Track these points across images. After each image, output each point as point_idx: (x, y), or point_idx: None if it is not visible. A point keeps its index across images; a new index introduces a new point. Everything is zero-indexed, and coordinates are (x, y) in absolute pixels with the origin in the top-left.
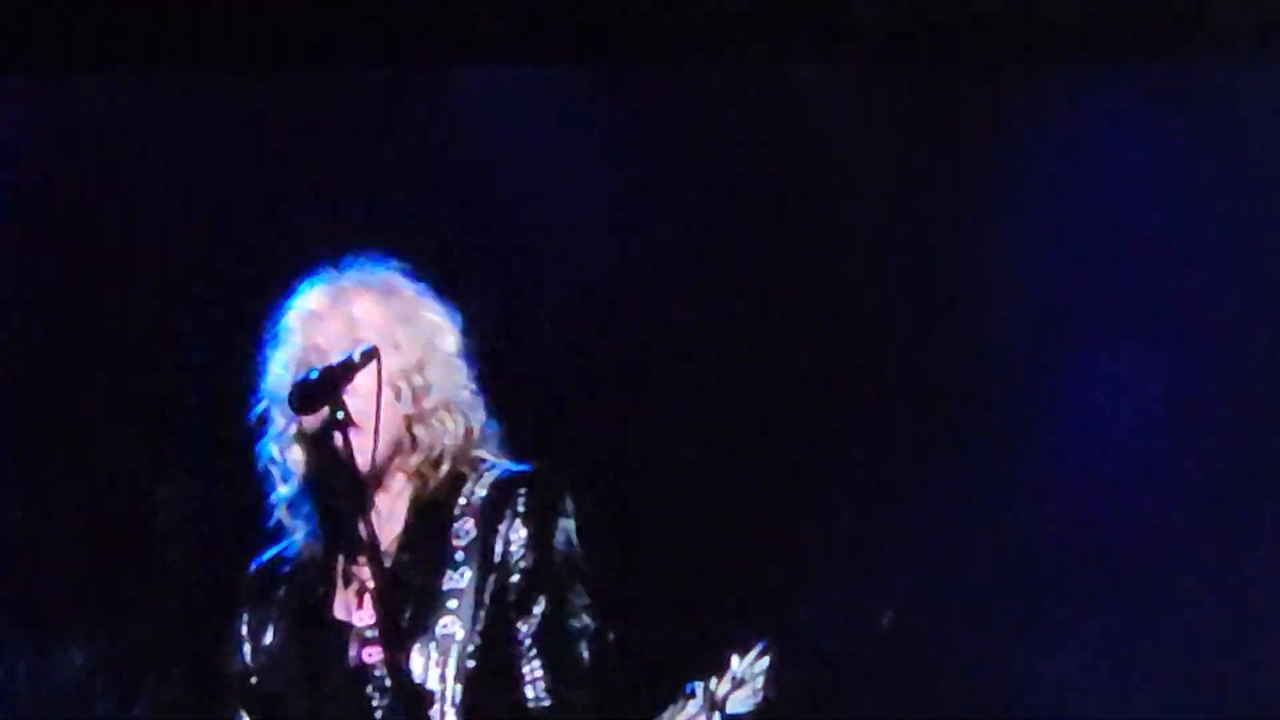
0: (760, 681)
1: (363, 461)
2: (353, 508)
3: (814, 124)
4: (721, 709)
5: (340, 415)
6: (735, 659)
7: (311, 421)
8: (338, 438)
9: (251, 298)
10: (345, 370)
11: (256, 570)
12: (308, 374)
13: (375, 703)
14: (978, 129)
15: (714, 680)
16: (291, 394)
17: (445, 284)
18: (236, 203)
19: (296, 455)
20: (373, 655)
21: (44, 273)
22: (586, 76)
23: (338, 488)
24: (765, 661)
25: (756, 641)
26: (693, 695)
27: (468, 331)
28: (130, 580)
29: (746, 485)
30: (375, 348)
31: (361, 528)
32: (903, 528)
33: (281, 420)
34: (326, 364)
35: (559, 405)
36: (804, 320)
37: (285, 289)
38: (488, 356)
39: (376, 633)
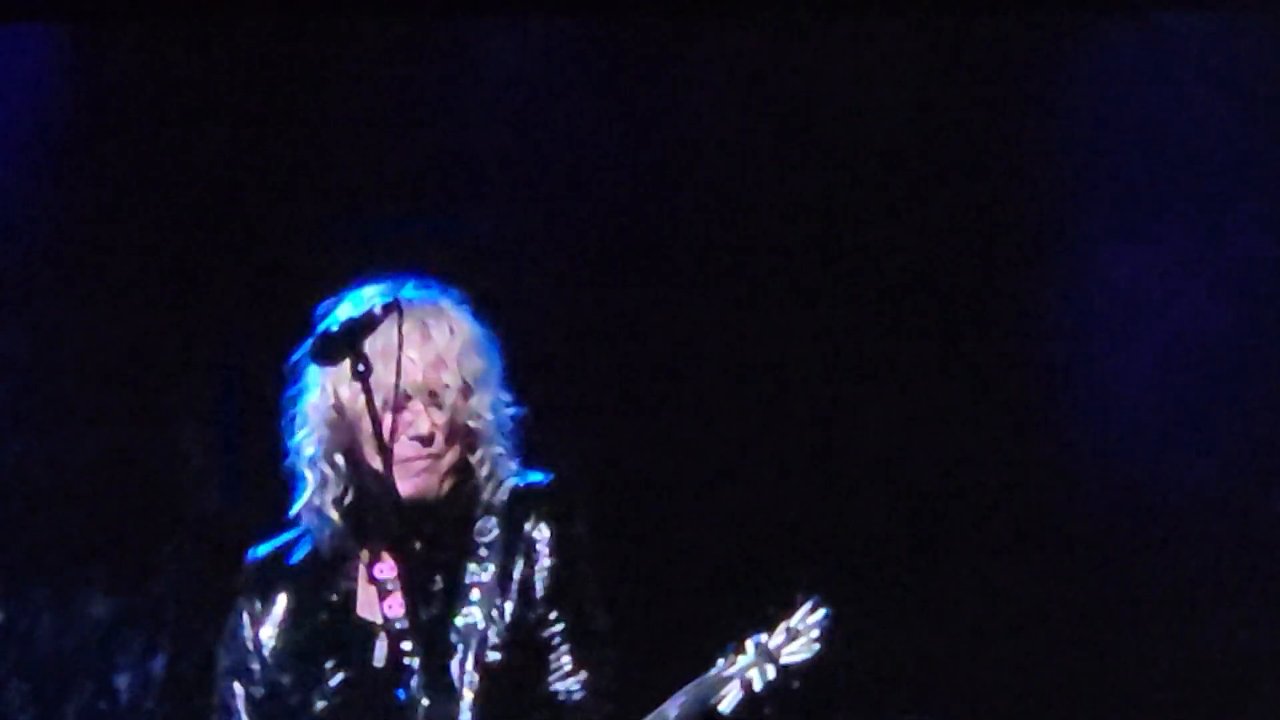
0: (815, 633)
1: (383, 410)
2: (383, 499)
3: (827, 78)
4: (776, 661)
5: (361, 367)
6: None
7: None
8: (358, 389)
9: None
10: (367, 322)
11: (258, 563)
12: (328, 326)
13: (404, 701)
14: (997, 81)
15: (766, 633)
16: (313, 345)
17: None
18: (255, 157)
19: (327, 463)
20: (403, 650)
21: (71, 221)
22: (597, 32)
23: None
24: (821, 613)
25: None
26: (742, 649)
27: (505, 350)
28: (154, 534)
29: (767, 481)
30: (396, 300)
31: (393, 518)
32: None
33: (320, 426)
34: (347, 317)
35: (581, 406)
36: (828, 300)
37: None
38: (514, 364)
39: (406, 626)
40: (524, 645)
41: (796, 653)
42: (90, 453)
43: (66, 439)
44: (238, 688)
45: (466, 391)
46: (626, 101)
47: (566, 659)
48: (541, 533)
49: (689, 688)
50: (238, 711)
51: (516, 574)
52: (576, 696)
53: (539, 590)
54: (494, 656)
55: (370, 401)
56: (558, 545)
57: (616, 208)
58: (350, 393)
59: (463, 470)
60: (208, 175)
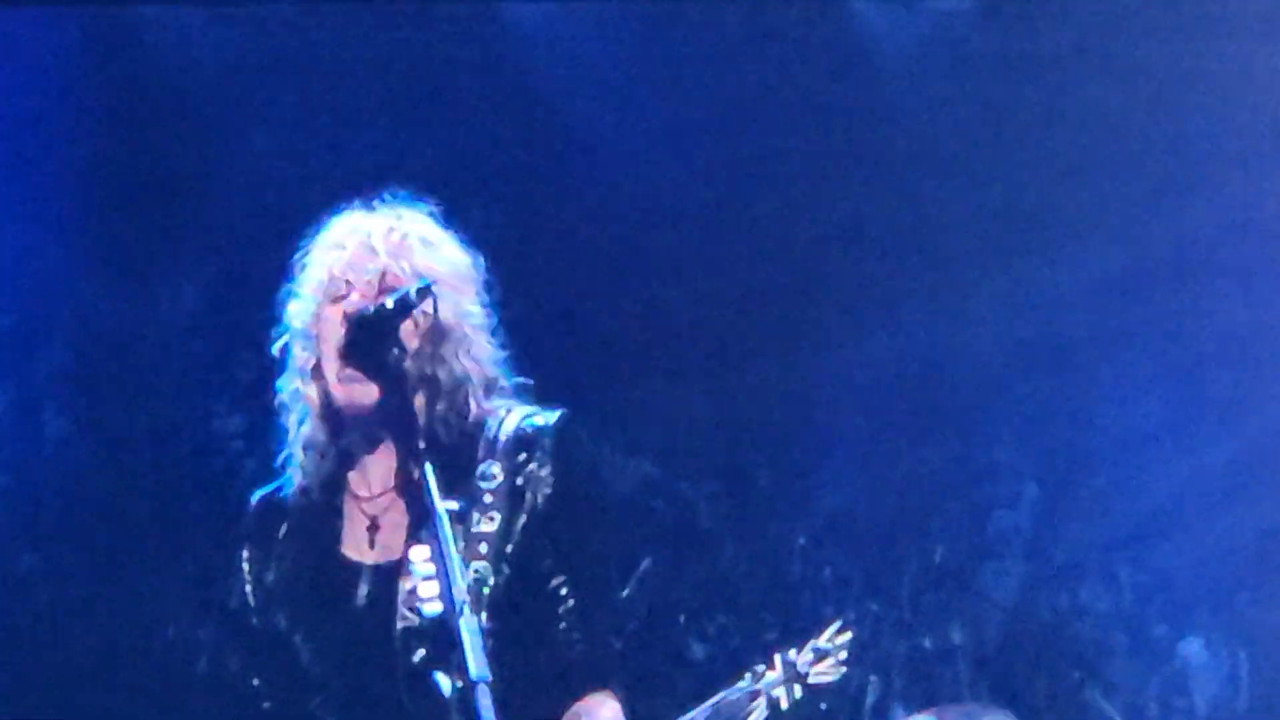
0: (843, 654)
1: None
2: (370, 435)
3: (865, 53)
4: (804, 680)
5: (397, 351)
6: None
7: (360, 359)
8: (392, 376)
9: (282, 229)
10: (401, 307)
11: (258, 507)
12: (362, 311)
13: (391, 642)
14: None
15: (794, 651)
16: (348, 332)
17: (471, 223)
18: (272, 131)
19: (314, 391)
20: (387, 591)
21: (98, 196)
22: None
23: (375, 425)
24: (848, 635)
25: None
26: (771, 667)
27: (488, 278)
28: (195, 510)
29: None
30: (431, 285)
31: (410, 469)
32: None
33: (302, 354)
34: (380, 303)
35: (574, 350)
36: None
37: (316, 222)
38: (507, 303)
39: (393, 565)
40: (531, 594)
41: (824, 673)
42: (133, 438)
43: (111, 426)
44: (237, 629)
45: (468, 350)
46: None
47: (574, 607)
48: (546, 477)
49: (715, 701)
50: (239, 654)
51: (521, 522)
52: (584, 645)
53: (545, 538)
54: (501, 606)
55: (401, 384)
56: (562, 490)
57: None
58: (330, 317)
59: (453, 400)
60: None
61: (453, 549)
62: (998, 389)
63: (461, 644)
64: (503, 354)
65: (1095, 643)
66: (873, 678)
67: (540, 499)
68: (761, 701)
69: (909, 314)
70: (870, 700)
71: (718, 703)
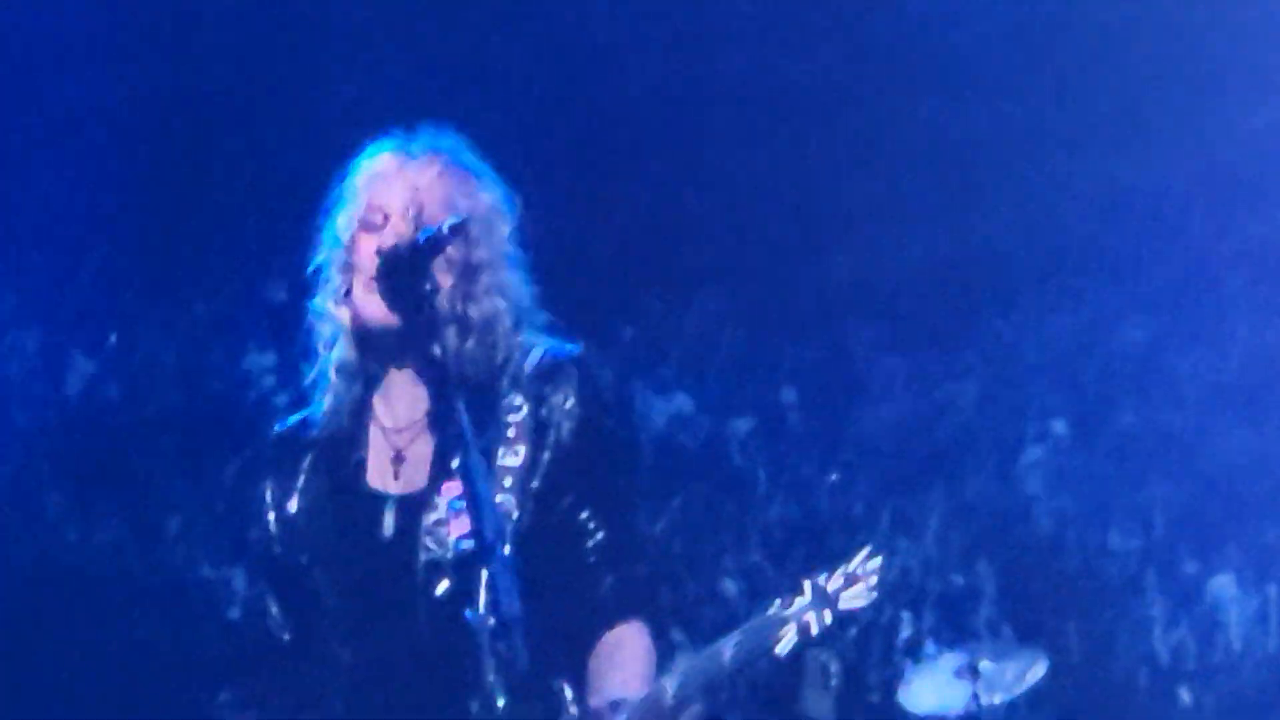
0: (874, 580)
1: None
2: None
3: None
4: (834, 606)
5: (430, 287)
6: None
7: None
8: (423, 311)
9: (319, 159)
10: (433, 244)
11: (281, 436)
12: (395, 247)
13: (414, 574)
14: None
15: (824, 577)
16: (380, 267)
17: (503, 154)
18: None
19: (346, 314)
20: (412, 522)
21: (125, 127)
22: None
23: (404, 352)
24: (878, 561)
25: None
26: (800, 593)
27: (522, 215)
28: (227, 446)
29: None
30: (465, 220)
31: (439, 403)
32: None
33: (335, 278)
34: (414, 238)
35: (605, 286)
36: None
37: (354, 152)
38: (537, 236)
39: (420, 496)
40: (556, 528)
41: (855, 599)
42: (162, 379)
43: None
44: (259, 561)
45: (500, 286)
46: None
47: (601, 541)
48: (570, 410)
49: (745, 627)
50: (260, 586)
51: (546, 457)
52: (612, 577)
53: (570, 472)
54: (525, 541)
55: (435, 320)
56: (587, 424)
57: None
58: (364, 246)
59: (484, 336)
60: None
61: (486, 484)
62: (1028, 326)
63: (494, 578)
64: (534, 290)
65: (1125, 580)
66: (904, 613)
67: (565, 433)
68: (791, 627)
69: (941, 240)
70: (903, 636)
71: (747, 628)
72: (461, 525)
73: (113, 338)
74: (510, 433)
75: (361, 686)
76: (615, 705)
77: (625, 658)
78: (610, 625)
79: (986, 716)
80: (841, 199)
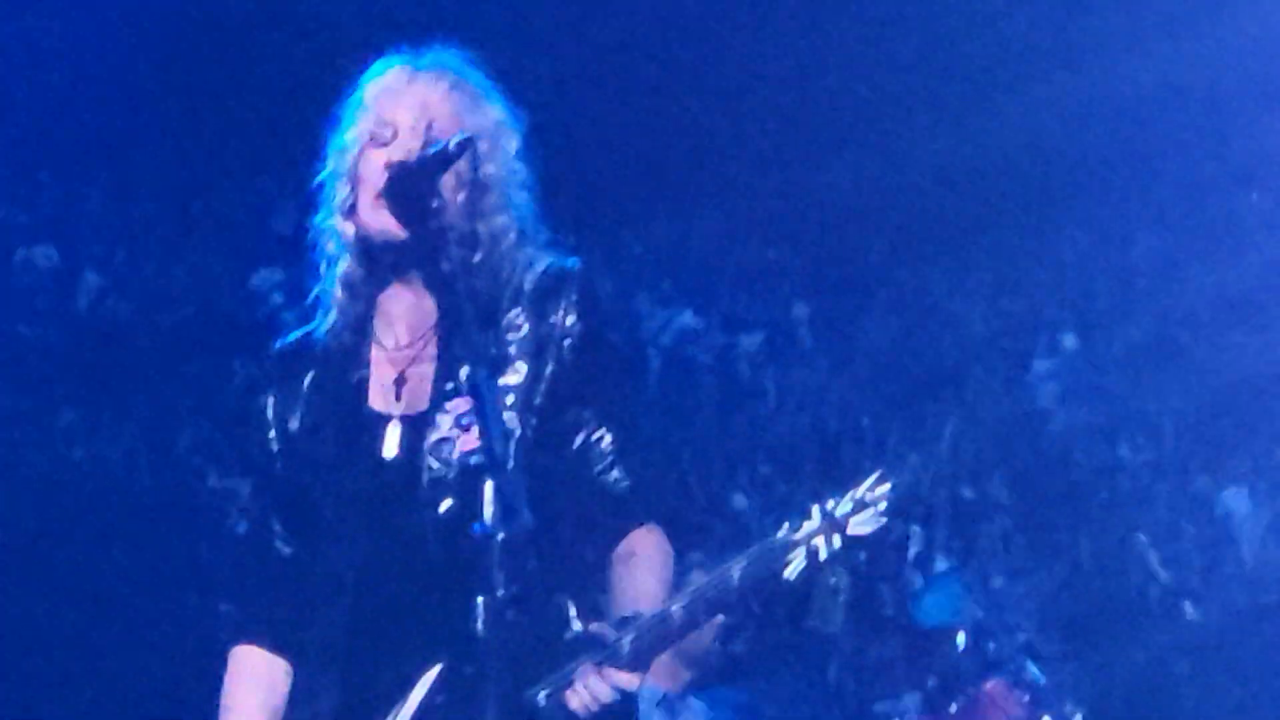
0: (883, 505)
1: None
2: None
3: None
4: (842, 531)
5: (437, 203)
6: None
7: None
8: (430, 226)
9: (327, 74)
10: (440, 160)
11: (283, 353)
12: (403, 161)
13: (418, 492)
14: None
15: (833, 502)
16: (388, 181)
17: (510, 77)
18: None
19: (350, 229)
20: (416, 442)
21: (134, 41)
22: None
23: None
24: (887, 486)
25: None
26: (809, 516)
27: (528, 133)
28: (234, 364)
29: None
30: (471, 138)
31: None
32: None
33: (340, 193)
34: (421, 153)
35: (611, 201)
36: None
37: (361, 66)
38: (545, 159)
39: (422, 417)
40: (559, 444)
41: (864, 524)
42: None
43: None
44: (261, 476)
45: (505, 204)
46: None
47: (610, 448)
48: (571, 326)
49: (752, 550)
50: (262, 500)
51: (549, 372)
52: (625, 483)
53: (573, 386)
54: (530, 456)
55: (441, 237)
56: (588, 337)
57: None
58: (371, 160)
59: (490, 252)
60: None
61: (493, 398)
62: (1038, 239)
63: (501, 491)
64: (539, 208)
65: (1136, 494)
66: (915, 528)
67: (566, 348)
68: (800, 551)
69: (950, 155)
70: (913, 551)
71: (754, 552)
72: (468, 441)
73: (121, 254)
74: (512, 350)
75: (364, 602)
76: (623, 623)
77: (639, 567)
78: (625, 531)
79: (996, 630)
80: (850, 115)
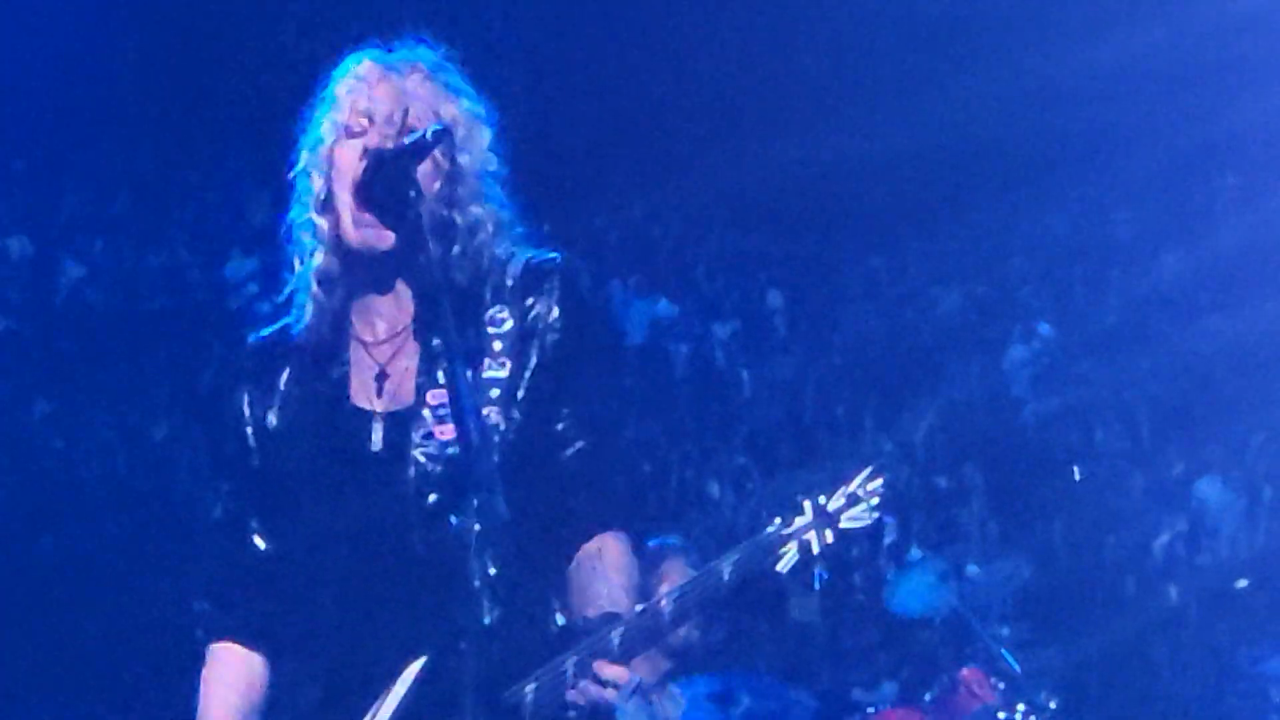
0: (875, 500)
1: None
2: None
3: None
4: (834, 525)
5: (414, 194)
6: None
7: (374, 200)
8: (408, 216)
9: (301, 66)
10: (417, 149)
11: (258, 347)
12: (380, 152)
13: (405, 486)
14: None
15: (824, 496)
16: (364, 171)
17: (482, 67)
18: None
19: (325, 224)
20: (401, 437)
21: (109, 38)
22: None
23: (389, 267)
24: (880, 481)
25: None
26: (801, 510)
27: (501, 126)
28: (209, 354)
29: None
30: (447, 127)
31: (425, 312)
32: None
33: (315, 185)
34: (398, 143)
35: (587, 193)
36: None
37: (335, 60)
38: (516, 152)
39: (408, 411)
40: (542, 439)
41: (856, 519)
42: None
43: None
44: (236, 473)
45: (480, 196)
46: None
47: (583, 449)
48: (554, 321)
49: (744, 545)
50: (238, 496)
51: (532, 365)
52: (593, 488)
53: (555, 381)
54: (513, 451)
55: (419, 225)
56: (571, 332)
57: None
58: (346, 152)
59: (468, 243)
60: None
61: (471, 391)
62: (1012, 226)
63: (479, 484)
64: (516, 200)
65: (1112, 482)
66: (888, 518)
67: (549, 343)
68: (793, 545)
69: (926, 138)
70: (887, 540)
71: (746, 546)
72: (445, 432)
73: (99, 244)
74: (495, 345)
75: (346, 597)
76: (609, 618)
77: (606, 569)
78: (588, 535)
79: (970, 619)
80: (824, 104)
